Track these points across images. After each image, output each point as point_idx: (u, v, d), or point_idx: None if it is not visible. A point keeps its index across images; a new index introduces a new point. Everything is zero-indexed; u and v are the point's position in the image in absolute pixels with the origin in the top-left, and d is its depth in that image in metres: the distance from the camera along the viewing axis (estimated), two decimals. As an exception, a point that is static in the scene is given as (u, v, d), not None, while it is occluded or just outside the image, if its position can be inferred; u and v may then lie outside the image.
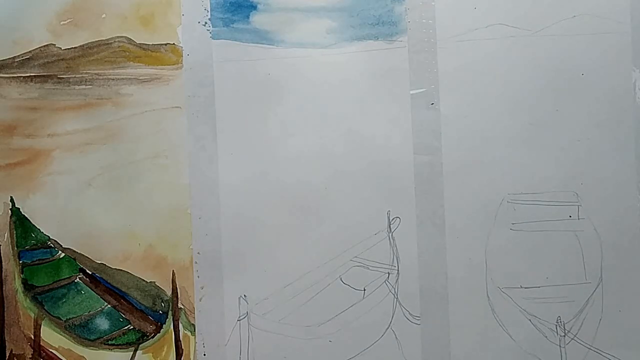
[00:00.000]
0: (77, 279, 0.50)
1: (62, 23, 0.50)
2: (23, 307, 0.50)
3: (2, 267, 0.50)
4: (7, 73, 0.50)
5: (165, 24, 0.50)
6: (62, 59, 0.50)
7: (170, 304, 0.50)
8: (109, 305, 0.50)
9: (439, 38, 0.50)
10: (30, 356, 0.50)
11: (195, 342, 0.50)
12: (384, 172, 0.50)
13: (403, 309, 0.50)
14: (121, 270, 0.50)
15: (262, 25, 0.50)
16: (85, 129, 0.50)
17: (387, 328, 0.50)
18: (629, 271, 0.49)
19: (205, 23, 0.50)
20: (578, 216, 0.49)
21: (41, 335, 0.50)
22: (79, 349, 0.50)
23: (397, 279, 0.50)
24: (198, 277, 0.50)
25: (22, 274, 0.50)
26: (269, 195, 0.50)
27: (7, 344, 0.50)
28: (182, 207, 0.50)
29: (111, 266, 0.50)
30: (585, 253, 0.49)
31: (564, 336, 0.49)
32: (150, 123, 0.50)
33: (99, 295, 0.50)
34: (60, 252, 0.50)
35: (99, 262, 0.50)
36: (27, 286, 0.50)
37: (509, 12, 0.50)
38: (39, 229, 0.50)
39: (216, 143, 0.50)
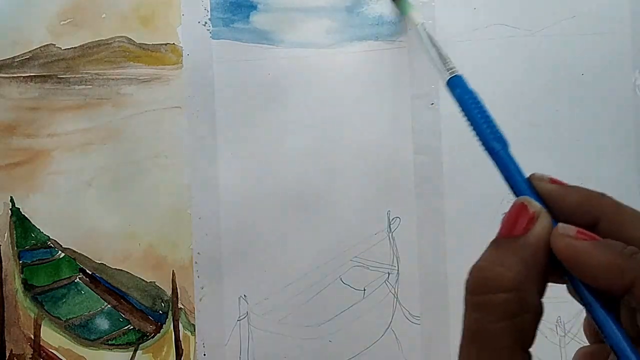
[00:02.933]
0: (77, 279, 0.50)
1: (62, 23, 0.50)
2: (23, 307, 0.50)
3: (2, 267, 0.50)
4: (7, 73, 0.50)
5: (165, 24, 0.50)
6: (62, 59, 0.50)
7: (170, 304, 0.50)
8: (109, 305, 0.50)
9: (439, 38, 0.50)
10: (30, 356, 0.50)
11: (195, 342, 0.50)
12: (384, 172, 0.50)
13: (403, 309, 0.50)
14: (121, 270, 0.50)
15: (262, 25, 0.50)
16: (85, 129, 0.50)
17: (387, 328, 0.50)
18: (629, 271, 0.49)
19: (205, 23, 0.50)
20: (578, 216, 0.49)
21: (41, 335, 0.50)
22: (79, 349, 0.50)
23: (397, 279, 0.50)
24: (198, 277, 0.50)
25: (22, 274, 0.50)
26: (269, 195, 0.50)
27: (7, 344, 0.50)
28: (182, 207, 0.50)
29: (111, 266, 0.50)
30: (585, 253, 0.49)
31: (564, 336, 0.49)
32: (150, 123, 0.50)
33: (99, 295, 0.50)
34: (60, 252, 0.50)
35: (99, 262, 0.50)
36: (27, 286, 0.50)
37: (509, 12, 0.50)
38: (39, 229, 0.50)
39: (216, 143, 0.50)
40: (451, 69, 0.37)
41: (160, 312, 0.50)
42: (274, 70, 0.50)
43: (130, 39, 0.50)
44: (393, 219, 0.50)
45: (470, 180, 0.50)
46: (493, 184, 0.50)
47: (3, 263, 0.50)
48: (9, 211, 0.50)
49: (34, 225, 0.50)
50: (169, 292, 0.50)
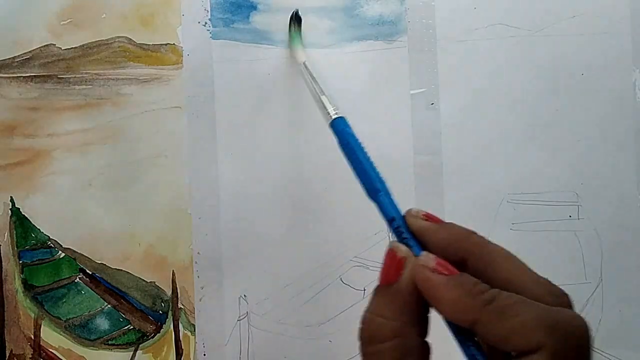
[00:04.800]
0: (77, 279, 0.50)
1: (62, 23, 0.50)
2: (23, 307, 0.50)
3: (2, 267, 0.50)
4: (7, 73, 0.50)
5: (165, 24, 0.50)
6: (62, 59, 0.50)
7: (170, 304, 0.50)
8: (109, 305, 0.50)
9: (439, 38, 0.50)
10: (30, 356, 0.50)
11: (195, 342, 0.50)
12: (384, 172, 0.50)
13: (403, 309, 0.50)
14: (121, 270, 0.50)
15: (262, 25, 0.50)
16: (85, 129, 0.50)
17: (387, 328, 0.50)
18: (629, 271, 0.49)
19: (205, 23, 0.50)
20: (578, 216, 0.49)
21: (41, 335, 0.50)
22: (79, 349, 0.50)
23: (397, 279, 0.50)
24: (198, 277, 0.50)
25: (22, 274, 0.50)
26: (269, 195, 0.50)
27: (7, 344, 0.50)
28: (182, 207, 0.50)
29: (111, 266, 0.50)
30: (585, 253, 0.49)
31: (564, 336, 0.49)
32: (150, 123, 0.50)
33: (99, 295, 0.50)
34: (60, 252, 0.50)
35: (99, 262, 0.50)
36: (27, 286, 0.50)
37: (509, 12, 0.50)
38: (39, 229, 0.50)
39: (216, 143, 0.50)
40: (335, 110, 0.39)
41: (160, 312, 0.50)
42: (274, 70, 0.50)
43: (130, 39, 0.50)
44: (393, 219, 0.50)
45: (470, 180, 0.50)
46: (493, 184, 0.50)
47: (3, 263, 0.50)
48: (9, 211, 0.50)
49: (34, 225, 0.50)
50: (169, 292, 0.50)
